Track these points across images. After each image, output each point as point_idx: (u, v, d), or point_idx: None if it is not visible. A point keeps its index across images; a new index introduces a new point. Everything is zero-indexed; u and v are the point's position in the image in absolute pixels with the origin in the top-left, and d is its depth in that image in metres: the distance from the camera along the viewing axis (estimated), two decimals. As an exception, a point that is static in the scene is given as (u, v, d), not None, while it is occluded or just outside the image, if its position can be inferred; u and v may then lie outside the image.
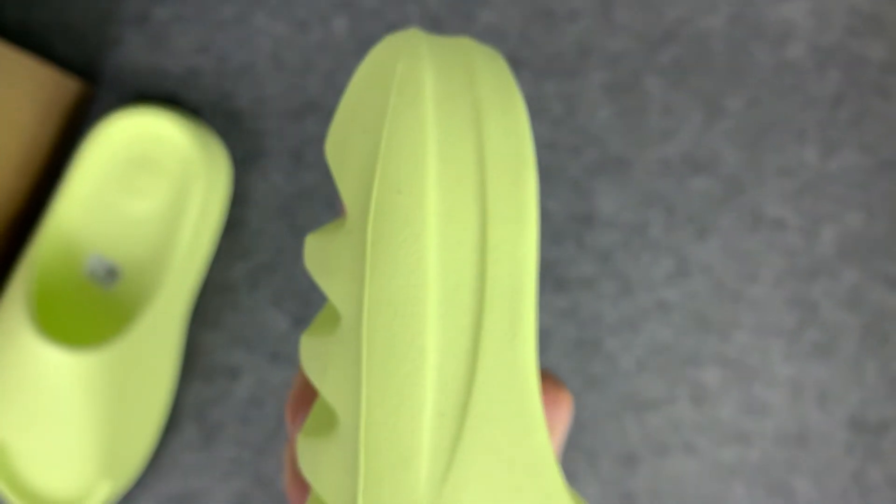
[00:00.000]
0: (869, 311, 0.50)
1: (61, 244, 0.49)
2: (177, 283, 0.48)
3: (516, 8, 0.51)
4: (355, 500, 0.19)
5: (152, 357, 0.48)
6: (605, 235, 0.50)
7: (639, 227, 0.50)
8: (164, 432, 0.51)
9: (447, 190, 0.20)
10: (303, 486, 0.25)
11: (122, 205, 0.50)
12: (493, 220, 0.20)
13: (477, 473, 0.20)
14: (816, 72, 0.50)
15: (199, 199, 0.48)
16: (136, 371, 0.47)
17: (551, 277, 0.50)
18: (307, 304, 0.51)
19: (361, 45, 0.51)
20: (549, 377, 0.30)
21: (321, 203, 0.51)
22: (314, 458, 0.21)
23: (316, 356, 0.21)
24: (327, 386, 0.21)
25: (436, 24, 0.51)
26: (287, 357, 0.51)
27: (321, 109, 0.51)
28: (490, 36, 0.51)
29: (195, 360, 0.51)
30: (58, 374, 0.45)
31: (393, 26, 0.51)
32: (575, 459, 0.50)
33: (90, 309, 0.50)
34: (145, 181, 0.50)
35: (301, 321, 0.51)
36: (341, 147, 0.22)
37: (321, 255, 0.21)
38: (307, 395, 0.25)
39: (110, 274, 0.50)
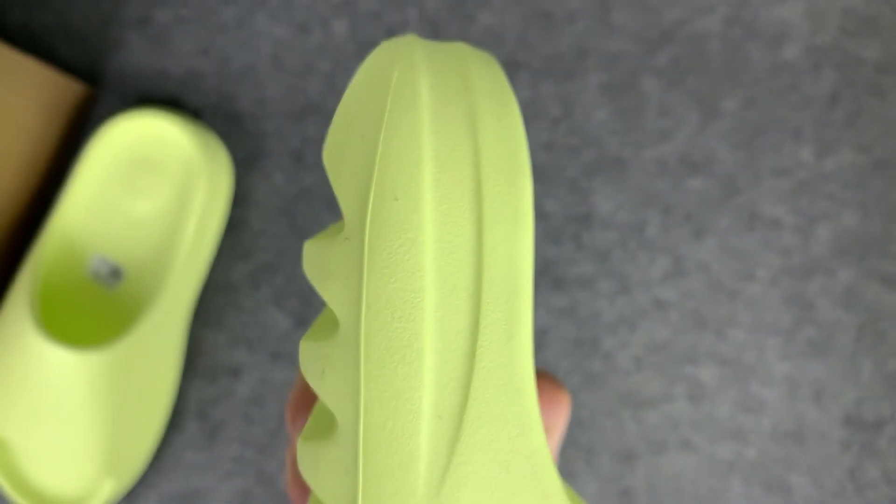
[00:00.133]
0: (864, 310, 0.50)
1: (65, 245, 0.49)
2: (179, 283, 0.49)
3: (515, 10, 0.51)
4: (355, 502, 0.20)
5: (155, 357, 0.48)
6: (602, 235, 0.50)
7: (636, 227, 0.50)
8: (167, 431, 0.51)
9: (443, 195, 0.20)
10: (304, 487, 0.25)
11: (124, 206, 0.50)
12: (489, 224, 0.20)
13: (474, 474, 0.20)
14: (812, 72, 0.50)
15: (201, 200, 0.49)
16: (139, 370, 0.48)
17: (550, 277, 0.50)
18: (308, 303, 0.51)
19: (361, 48, 0.51)
20: (548, 377, 0.30)
21: (322, 204, 0.51)
22: (314, 462, 0.21)
23: (315, 360, 0.21)
24: (326, 390, 0.21)
25: (435, 27, 0.51)
26: (288, 356, 0.51)
27: (321, 111, 0.51)
28: (488, 38, 0.51)
29: (197, 360, 0.51)
30: (61, 373, 0.45)
31: (392, 28, 0.51)
32: (573, 457, 0.50)
33: (93, 309, 0.50)
34: (148, 182, 0.50)
35: (302, 321, 0.51)
36: (338, 153, 0.22)
37: (319, 261, 0.21)
38: (307, 397, 0.25)
39: (113, 274, 0.50)
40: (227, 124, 0.52)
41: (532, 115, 0.51)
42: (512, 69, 0.51)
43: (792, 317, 0.50)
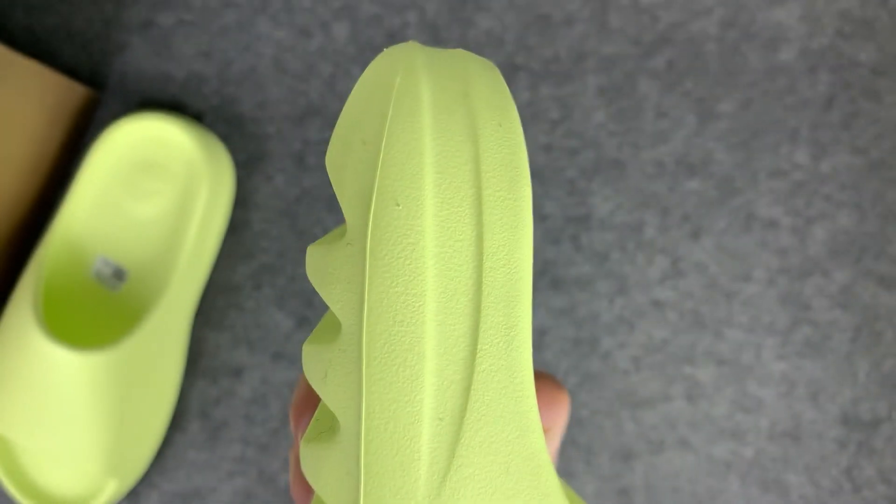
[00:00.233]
0: (861, 310, 0.50)
1: (68, 246, 0.49)
2: (181, 284, 0.49)
3: (513, 14, 0.51)
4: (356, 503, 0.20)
5: (158, 357, 0.49)
6: (601, 236, 0.51)
7: (634, 228, 0.51)
8: (169, 431, 0.51)
9: (444, 201, 0.20)
10: (307, 487, 0.25)
11: (127, 208, 0.50)
12: (489, 230, 0.21)
13: (475, 476, 0.20)
14: (808, 74, 0.51)
15: (204, 202, 0.49)
16: (142, 371, 0.48)
17: (549, 277, 0.51)
18: (309, 304, 0.51)
19: (362, 51, 0.52)
20: (548, 378, 0.30)
21: (322, 205, 0.51)
22: (316, 463, 0.21)
23: (317, 363, 0.21)
24: (328, 392, 0.21)
25: (434, 30, 0.51)
26: (290, 356, 0.51)
27: (322, 114, 0.52)
28: (488, 41, 0.51)
29: (199, 360, 0.52)
30: (64, 374, 0.45)
31: (392, 32, 0.52)
32: (572, 456, 0.50)
33: (96, 310, 0.50)
34: (150, 185, 0.50)
35: (303, 321, 0.51)
36: (341, 158, 0.22)
37: (322, 266, 0.22)
38: (310, 399, 0.26)
39: (116, 276, 0.50)
40: (228, 127, 0.52)
41: (531, 117, 0.51)
42: (511, 72, 0.51)
43: (789, 317, 0.50)
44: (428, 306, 0.20)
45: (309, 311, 0.51)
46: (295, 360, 0.51)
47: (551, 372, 0.50)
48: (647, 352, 0.50)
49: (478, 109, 0.21)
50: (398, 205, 0.20)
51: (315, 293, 0.51)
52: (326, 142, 0.51)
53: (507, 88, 0.23)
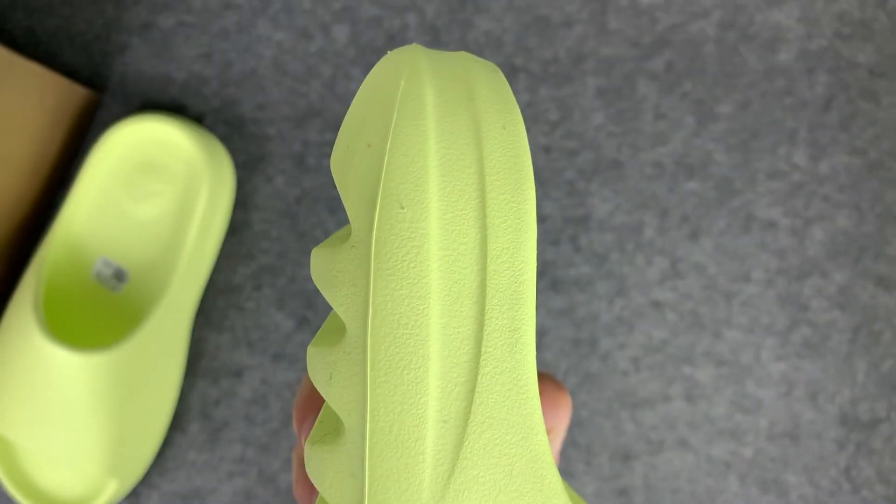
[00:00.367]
0: (860, 311, 0.50)
1: (69, 248, 0.49)
2: (182, 285, 0.49)
3: (513, 15, 0.51)
4: None
5: (158, 358, 0.49)
6: (600, 237, 0.51)
7: (633, 229, 0.51)
8: (170, 431, 0.51)
9: (448, 204, 0.20)
10: (311, 487, 0.25)
11: (128, 209, 0.50)
12: (493, 232, 0.21)
13: (479, 478, 0.20)
14: (807, 76, 0.51)
15: (204, 203, 0.49)
16: (143, 372, 0.48)
17: (548, 278, 0.51)
18: (310, 305, 0.51)
19: (362, 53, 0.52)
20: (550, 380, 0.30)
21: (323, 206, 0.51)
22: (320, 465, 0.21)
23: (322, 366, 0.21)
24: (333, 394, 0.21)
25: (434, 32, 0.52)
26: (290, 357, 0.51)
27: (322, 115, 0.52)
28: (487, 43, 0.51)
29: (200, 361, 0.52)
30: (65, 375, 0.45)
31: (392, 34, 0.52)
32: (572, 457, 0.51)
33: (97, 311, 0.50)
34: (151, 186, 0.50)
35: (304, 322, 0.51)
36: (345, 161, 0.22)
37: (326, 269, 0.22)
38: (314, 400, 0.26)
39: (117, 277, 0.50)
40: (229, 128, 0.52)
41: (530, 119, 0.51)
42: (510, 73, 0.51)
43: (788, 318, 0.50)
44: (432, 309, 0.20)
45: (309, 312, 0.51)
46: (295, 361, 0.51)
47: (551, 372, 0.50)
48: (647, 352, 0.51)
49: (482, 112, 0.21)
50: (403, 208, 0.20)
51: (315, 294, 0.51)
52: (326, 143, 0.51)
53: (510, 91, 0.23)
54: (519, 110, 0.22)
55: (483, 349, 0.20)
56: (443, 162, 0.21)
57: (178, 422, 0.52)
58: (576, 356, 0.51)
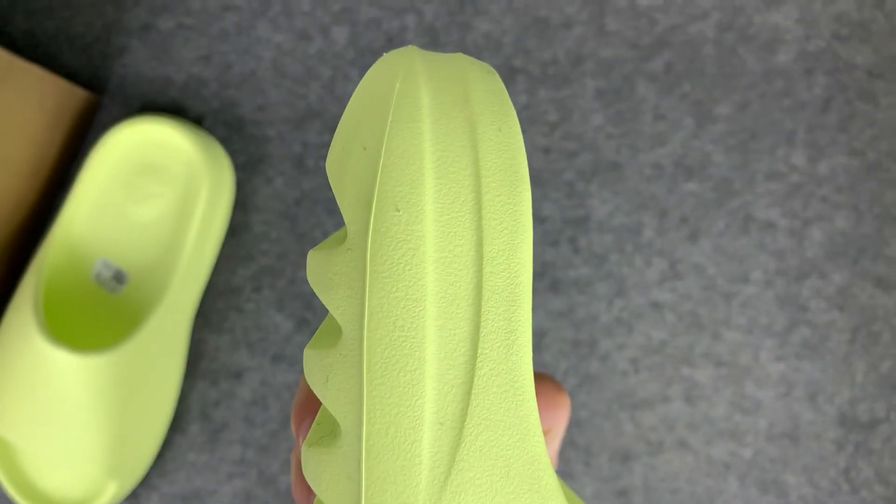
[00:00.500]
0: (858, 312, 0.50)
1: (69, 249, 0.49)
2: (182, 287, 0.49)
3: (512, 17, 0.51)
4: None
5: (158, 360, 0.49)
6: (599, 238, 0.51)
7: (632, 230, 0.51)
8: (169, 433, 0.52)
9: (444, 206, 0.20)
10: (309, 489, 0.25)
11: (127, 211, 0.50)
12: (489, 235, 0.21)
13: (475, 480, 0.20)
14: (805, 77, 0.51)
15: (204, 205, 0.49)
16: (142, 374, 0.48)
17: (547, 279, 0.51)
18: (309, 306, 0.51)
19: (361, 54, 0.52)
20: (548, 380, 0.30)
21: (322, 207, 0.52)
22: (317, 467, 0.21)
23: (318, 368, 0.21)
24: (330, 397, 0.21)
25: (433, 33, 0.52)
26: (290, 358, 0.51)
27: (322, 117, 0.52)
28: (486, 44, 0.51)
29: (199, 363, 0.52)
30: (65, 377, 0.45)
31: (391, 35, 0.52)
32: (571, 458, 0.51)
33: (97, 313, 0.50)
34: (151, 188, 0.50)
35: (303, 323, 0.51)
36: (341, 164, 0.22)
37: (322, 271, 0.22)
38: (311, 403, 0.26)
39: (117, 278, 0.50)
40: (228, 130, 0.52)
41: (529, 120, 0.51)
42: (509, 75, 0.51)
43: (786, 318, 0.50)
44: (428, 311, 0.20)
45: (309, 314, 0.51)
46: (295, 363, 0.51)
47: (550, 373, 0.50)
48: (646, 353, 0.51)
49: (477, 114, 0.21)
50: (398, 210, 0.20)
51: (315, 296, 0.51)
52: (326, 145, 0.51)
53: (506, 92, 0.23)
54: (515, 112, 0.22)
55: (479, 351, 0.20)
56: (438, 164, 0.21)
57: (177, 423, 0.52)
58: (575, 357, 0.51)
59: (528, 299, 0.21)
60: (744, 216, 0.51)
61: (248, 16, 0.52)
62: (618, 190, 0.51)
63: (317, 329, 0.28)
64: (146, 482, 0.52)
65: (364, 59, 0.52)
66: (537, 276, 0.51)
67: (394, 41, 0.52)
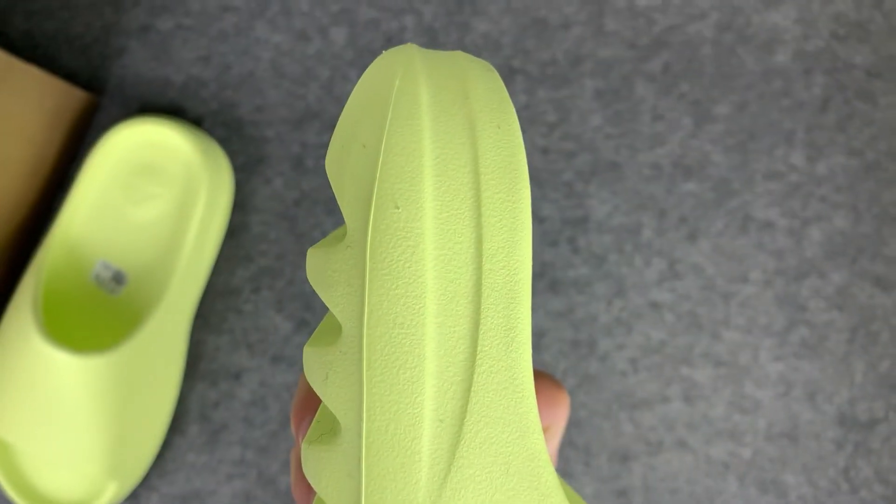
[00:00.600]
0: (857, 311, 0.50)
1: (68, 250, 0.49)
2: (181, 287, 0.49)
3: (510, 17, 0.51)
4: None
5: (157, 360, 0.49)
6: (598, 238, 0.51)
7: (632, 230, 0.51)
8: (169, 434, 0.51)
9: (443, 203, 0.20)
10: (309, 488, 0.25)
11: (126, 212, 0.50)
12: (489, 232, 0.21)
13: (475, 477, 0.20)
14: (804, 77, 0.51)
15: (203, 206, 0.49)
16: (142, 374, 0.48)
17: (547, 279, 0.51)
18: (308, 307, 0.51)
19: (360, 55, 0.52)
20: (548, 378, 0.30)
21: (321, 208, 0.52)
22: (317, 465, 0.21)
23: (318, 366, 0.21)
24: (329, 394, 0.21)
25: (432, 34, 0.52)
26: (289, 359, 0.51)
27: (321, 117, 0.52)
28: (485, 45, 0.52)
29: (199, 363, 0.52)
30: (64, 377, 0.45)
31: (390, 36, 0.52)
32: (571, 458, 0.51)
33: (96, 314, 0.50)
34: (149, 189, 0.50)
35: (302, 324, 0.51)
36: (340, 162, 0.22)
37: (322, 269, 0.22)
38: (311, 400, 0.26)
39: (116, 279, 0.50)
40: (227, 131, 0.52)
41: (528, 121, 0.51)
42: (508, 75, 0.51)
43: (786, 318, 0.50)
44: (428, 308, 0.20)
45: (308, 314, 0.51)
46: (294, 363, 0.51)
47: (550, 373, 0.50)
48: (645, 353, 0.51)
49: (476, 111, 0.21)
50: (398, 207, 0.20)
51: (314, 296, 0.51)
52: (325, 145, 0.51)
53: (505, 90, 0.23)
54: (514, 109, 0.22)
55: (479, 348, 0.20)
56: (437, 161, 0.21)
57: (177, 424, 0.52)
58: (574, 357, 0.51)
59: (528, 296, 0.21)
60: (743, 216, 0.51)
61: (247, 17, 0.52)
62: (617, 190, 0.51)
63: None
64: (146, 483, 0.51)
65: (363, 60, 0.52)
66: (536, 276, 0.51)
67: (392, 42, 0.52)
